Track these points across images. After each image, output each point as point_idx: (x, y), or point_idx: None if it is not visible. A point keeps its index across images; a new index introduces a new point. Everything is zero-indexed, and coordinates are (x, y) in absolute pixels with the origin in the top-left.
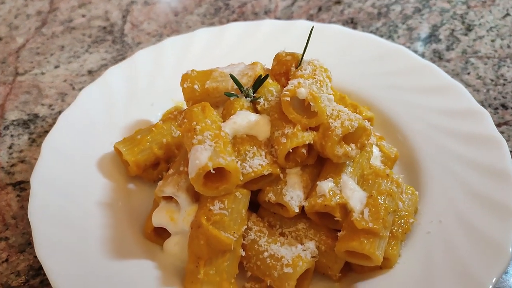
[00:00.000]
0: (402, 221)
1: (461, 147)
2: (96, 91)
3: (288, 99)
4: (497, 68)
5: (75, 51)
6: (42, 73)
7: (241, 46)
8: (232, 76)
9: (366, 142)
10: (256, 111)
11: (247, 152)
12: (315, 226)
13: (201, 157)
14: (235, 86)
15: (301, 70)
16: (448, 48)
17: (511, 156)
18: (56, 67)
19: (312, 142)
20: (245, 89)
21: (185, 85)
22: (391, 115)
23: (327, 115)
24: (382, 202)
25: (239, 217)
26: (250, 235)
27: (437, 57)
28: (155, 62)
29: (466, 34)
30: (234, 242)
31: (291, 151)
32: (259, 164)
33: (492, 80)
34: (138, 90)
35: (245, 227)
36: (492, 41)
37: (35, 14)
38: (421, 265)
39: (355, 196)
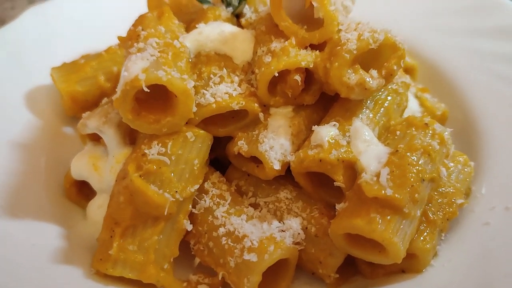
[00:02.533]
0: (445, 200)
1: None
2: (47, 12)
3: None
4: None
5: None
6: (12, 8)
7: None
8: None
9: (395, 68)
10: (239, 25)
11: (211, 76)
12: (306, 197)
13: (133, 67)
14: None
15: None
16: None
17: None
18: (30, 2)
19: (311, 67)
20: None
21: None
22: (441, 64)
23: (339, 29)
24: (414, 161)
25: (188, 170)
26: (204, 200)
27: None
28: None
29: None
30: (173, 205)
31: (276, 75)
32: (226, 93)
33: None
34: (105, 17)
35: (197, 186)
36: None
37: None
38: (473, 272)
39: (370, 151)
